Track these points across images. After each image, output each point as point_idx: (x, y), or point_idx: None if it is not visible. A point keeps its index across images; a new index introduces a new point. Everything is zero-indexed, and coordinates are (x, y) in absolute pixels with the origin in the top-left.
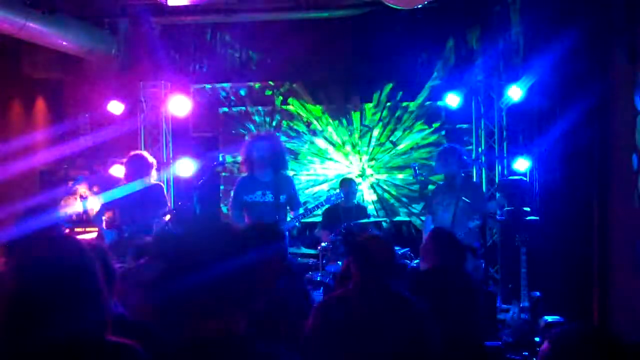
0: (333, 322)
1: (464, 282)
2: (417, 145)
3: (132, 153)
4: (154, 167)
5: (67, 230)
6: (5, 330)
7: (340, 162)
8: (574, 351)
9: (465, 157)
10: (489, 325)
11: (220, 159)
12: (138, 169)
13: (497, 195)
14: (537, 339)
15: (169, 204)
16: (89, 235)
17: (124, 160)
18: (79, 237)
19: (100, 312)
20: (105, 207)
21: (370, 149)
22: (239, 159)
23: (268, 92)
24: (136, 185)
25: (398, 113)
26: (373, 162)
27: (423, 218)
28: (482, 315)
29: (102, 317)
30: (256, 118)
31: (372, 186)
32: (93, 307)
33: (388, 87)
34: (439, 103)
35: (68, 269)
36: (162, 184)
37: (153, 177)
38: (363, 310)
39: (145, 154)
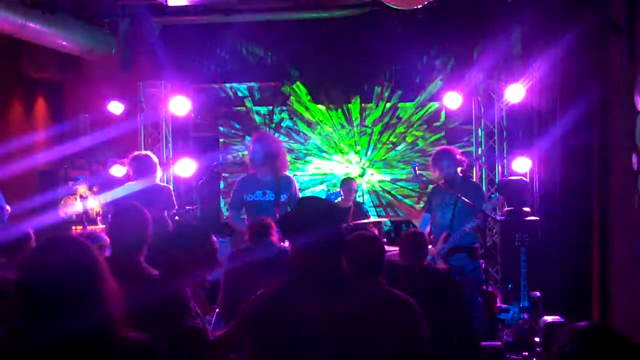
0: (324, 317)
1: (434, 281)
2: (417, 145)
3: (136, 153)
4: (158, 167)
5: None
6: (15, 327)
7: (340, 162)
8: (590, 350)
9: (458, 157)
10: (489, 325)
11: (220, 159)
12: (143, 168)
13: (493, 196)
14: (537, 339)
15: (176, 207)
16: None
17: (126, 159)
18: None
19: (106, 309)
20: (110, 205)
21: (370, 149)
22: (241, 154)
23: (268, 92)
24: (143, 184)
25: (398, 113)
26: (373, 162)
27: None
28: (465, 313)
29: (109, 314)
30: (256, 118)
31: (371, 186)
32: (98, 304)
33: (388, 87)
34: (439, 103)
35: (71, 267)
36: (170, 187)
37: (158, 178)
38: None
39: (150, 153)
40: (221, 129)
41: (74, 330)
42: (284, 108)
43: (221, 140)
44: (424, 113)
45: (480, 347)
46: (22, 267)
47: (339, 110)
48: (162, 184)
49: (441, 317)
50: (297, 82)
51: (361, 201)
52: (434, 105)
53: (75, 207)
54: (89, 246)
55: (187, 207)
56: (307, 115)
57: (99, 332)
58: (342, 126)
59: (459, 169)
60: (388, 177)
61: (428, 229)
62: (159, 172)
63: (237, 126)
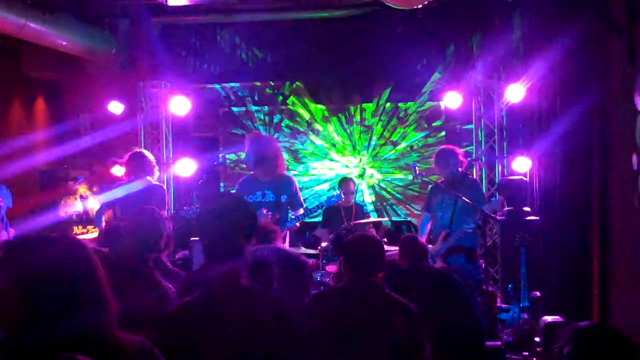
0: (323, 319)
1: (440, 279)
2: (417, 145)
3: (134, 151)
4: (155, 166)
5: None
6: (10, 328)
7: (340, 162)
8: (591, 350)
9: (460, 156)
10: (489, 325)
11: (220, 158)
12: (139, 167)
13: (494, 198)
14: (537, 339)
15: (167, 207)
16: (90, 235)
17: (125, 158)
18: (80, 237)
19: (105, 310)
20: (105, 206)
21: (370, 149)
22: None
23: (268, 92)
24: (138, 185)
25: (398, 113)
26: (373, 162)
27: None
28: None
29: (108, 315)
30: (256, 118)
31: (371, 186)
32: (96, 305)
33: (388, 87)
34: (439, 103)
35: (69, 267)
36: (163, 186)
37: (155, 177)
38: (352, 308)
39: (147, 152)
40: (221, 129)
41: (70, 332)
42: (284, 108)
43: (221, 140)
44: (424, 113)
45: (484, 347)
46: (15, 269)
47: (339, 110)
48: (155, 182)
49: (445, 318)
50: (297, 82)
51: (362, 201)
52: (434, 105)
53: (75, 207)
54: (86, 245)
55: (185, 208)
56: (306, 115)
57: (96, 333)
58: (342, 126)
59: (459, 169)
60: (388, 177)
61: (428, 228)
62: (156, 172)
63: (237, 126)
